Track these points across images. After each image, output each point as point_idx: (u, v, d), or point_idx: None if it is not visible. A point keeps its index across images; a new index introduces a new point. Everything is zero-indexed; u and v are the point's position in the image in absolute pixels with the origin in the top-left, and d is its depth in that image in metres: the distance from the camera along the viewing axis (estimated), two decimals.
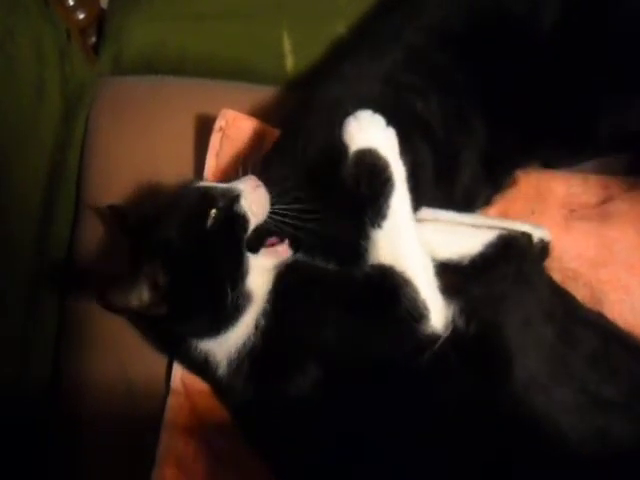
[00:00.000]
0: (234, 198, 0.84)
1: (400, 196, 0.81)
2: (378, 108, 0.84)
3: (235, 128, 1.04)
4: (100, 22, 1.20)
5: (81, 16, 1.17)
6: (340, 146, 0.81)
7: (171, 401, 0.92)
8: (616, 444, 0.74)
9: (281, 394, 0.83)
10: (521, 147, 0.98)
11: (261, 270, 0.84)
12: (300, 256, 0.86)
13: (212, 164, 1.03)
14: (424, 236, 0.84)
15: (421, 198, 0.87)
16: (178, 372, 0.93)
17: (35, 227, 1.05)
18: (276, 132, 1.03)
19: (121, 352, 0.97)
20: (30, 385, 1.00)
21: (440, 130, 0.93)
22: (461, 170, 0.95)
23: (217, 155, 1.04)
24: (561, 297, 0.88)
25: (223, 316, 0.82)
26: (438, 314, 0.80)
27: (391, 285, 0.80)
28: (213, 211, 0.83)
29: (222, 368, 0.84)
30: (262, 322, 0.83)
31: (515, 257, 0.85)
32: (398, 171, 0.82)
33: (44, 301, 1.05)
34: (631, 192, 0.97)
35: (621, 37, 0.94)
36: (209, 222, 0.82)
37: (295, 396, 0.81)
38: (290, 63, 1.17)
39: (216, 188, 0.86)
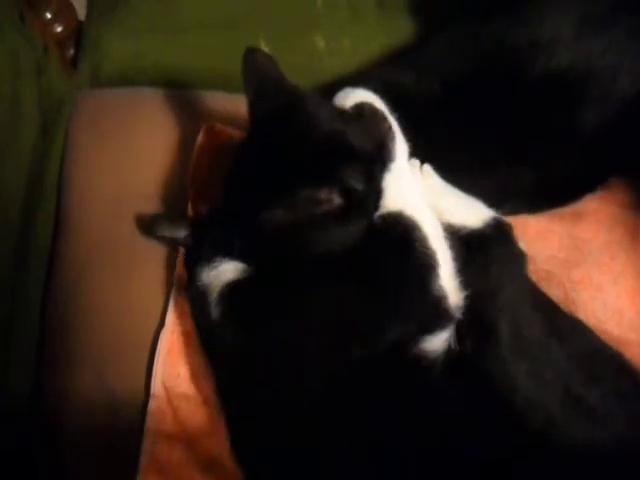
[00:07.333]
0: None
1: (401, 143, 0.84)
2: None
3: (217, 141, 1.05)
4: (78, 35, 1.20)
5: (59, 29, 1.17)
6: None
7: (152, 406, 0.92)
8: (599, 451, 0.75)
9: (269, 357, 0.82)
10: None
11: None
12: None
13: (195, 177, 1.03)
14: (433, 198, 0.86)
15: None
16: (159, 375, 0.92)
17: (14, 241, 1.04)
18: None
19: (99, 361, 0.96)
20: (10, 400, 1.00)
21: None
22: None
23: (199, 168, 1.04)
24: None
25: None
26: (448, 270, 0.80)
27: (403, 229, 0.80)
28: None
29: (215, 309, 0.84)
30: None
31: (507, 240, 0.86)
32: (394, 122, 0.84)
33: (24, 315, 1.04)
34: (600, 191, 0.99)
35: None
36: None
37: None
38: None
39: None
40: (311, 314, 0.81)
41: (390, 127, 0.84)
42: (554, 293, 0.91)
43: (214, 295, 0.85)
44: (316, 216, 0.79)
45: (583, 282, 0.93)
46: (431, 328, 0.78)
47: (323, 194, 0.79)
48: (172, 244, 0.98)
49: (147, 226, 0.98)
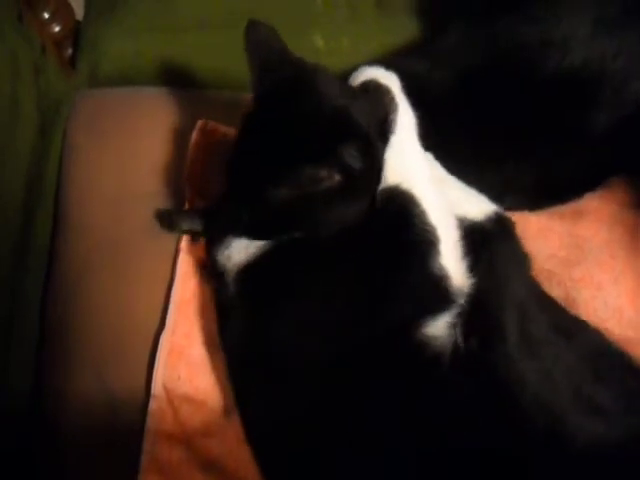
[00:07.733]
0: None
1: (405, 115, 0.83)
2: None
3: (212, 138, 1.05)
4: (76, 34, 1.20)
5: (57, 29, 1.17)
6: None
7: (152, 407, 0.92)
8: (611, 451, 0.74)
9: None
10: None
11: None
12: None
13: (191, 174, 1.03)
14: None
15: None
16: (159, 376, 0.92)
17: (14, 241, 1.04)
18: None
19: (99, 361, 0.96)
20: (10, 400, 0.99)
21: None
22: None
23: (195, 165, 1.04)
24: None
25: None
26: (450, 248, 0.78)
27: (400, 203, 0.78)
28: None
29: (231, 287, 0.84)
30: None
31: (509, 236, 0.85)
32: (398, 94, 0.84)
33: (24, 315, 1.04)
34: (601, 189, 0.99)
35: None
36: None
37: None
38: None
39: None
40: (314, 294, 0.80)
41: (392, 99, 0.83)
42: (555, 292, 0.91)
43: (230, 274, 0.85)
44: (318, 194, 0.79)
45: (584, 281, 0.93)
46: (432, 309, 0.76)
47: (323, 172, 0.78)
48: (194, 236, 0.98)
49: (166, 222, 0.97)
